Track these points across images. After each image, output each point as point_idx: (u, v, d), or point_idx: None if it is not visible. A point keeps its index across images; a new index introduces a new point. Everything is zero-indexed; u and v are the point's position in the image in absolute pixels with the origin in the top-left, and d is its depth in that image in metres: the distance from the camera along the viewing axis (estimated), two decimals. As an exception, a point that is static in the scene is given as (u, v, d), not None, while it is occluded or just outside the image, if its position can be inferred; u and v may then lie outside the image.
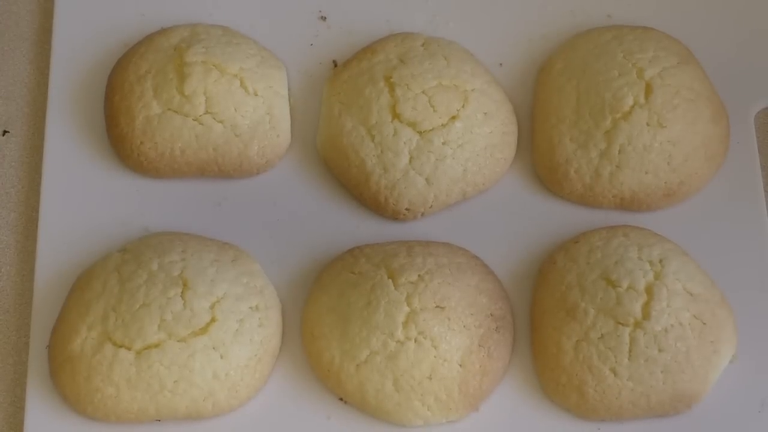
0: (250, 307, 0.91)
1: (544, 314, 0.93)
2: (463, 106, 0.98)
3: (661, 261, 0.92)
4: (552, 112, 0.99)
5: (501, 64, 1.05)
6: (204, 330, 0.89)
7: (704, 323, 0.90)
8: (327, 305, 0.92)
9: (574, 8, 1.07)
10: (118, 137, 0.98)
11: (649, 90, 0.97)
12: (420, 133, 0.96)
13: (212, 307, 0.90)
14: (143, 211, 0.98)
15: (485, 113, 0.98)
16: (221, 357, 0.89)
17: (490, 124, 0.98)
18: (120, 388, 0.88)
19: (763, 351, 0.93)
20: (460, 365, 0.89)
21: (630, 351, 0.89)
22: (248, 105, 0.98)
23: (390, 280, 0.91)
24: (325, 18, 1.06)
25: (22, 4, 1.09)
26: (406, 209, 0.97)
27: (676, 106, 0.97)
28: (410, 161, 0.96)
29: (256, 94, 0.99)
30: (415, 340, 0.89)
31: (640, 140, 0.96)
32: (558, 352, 0.90)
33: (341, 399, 0.91)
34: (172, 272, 0.91)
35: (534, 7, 1.07)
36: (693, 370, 0.89)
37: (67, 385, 0.89)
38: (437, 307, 0.90)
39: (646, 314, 0.89)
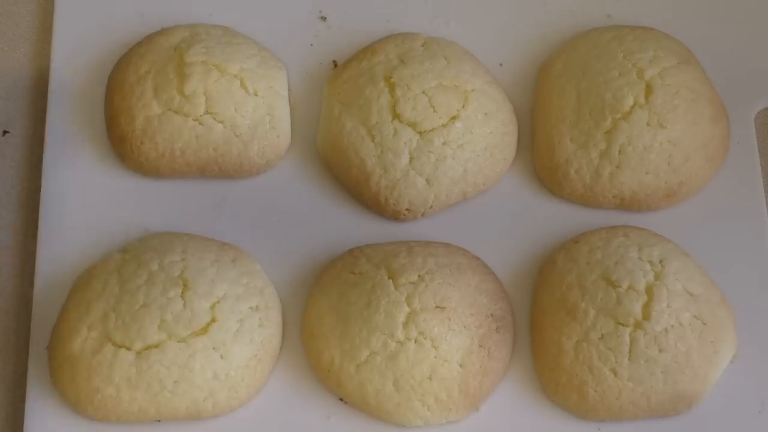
0: (251, 308, 0.91)
1: (545, 314, 0.93)
2: (463, 107, 0.98)
3: (661, 261, 0.92)
4: (552, 113, 0.99)
5: (501, 64, 1.05)
6: (204, 330, 0.89)
7: (704, 323, 0.90)
8: (327, 305, 0.92)
9: (574, 8, 1.07)
10: (118, 137, 0.98)
11: (649, 90, 0.97)
12: (420, 133, 0.96)
13: (212, 307, 0.90)
14: (143, 212, 0.98)
15: (485, 113, 0.98)
16: (221, 357, 0.89)
17: (490, 125, 0.98)
18: (120, 388, 0.88)
19: (763, 351, 0.93)
20: (461, 365, 0.89)
21: (630, 351, 0.89)
22: (248, 105, 0.98)
23: (390, 281, 0.91)
24: (325, 18, 1.06)
25: (22, 4, 1.09)
26: (407, 209, 0.97)
27: (677, 107, 0.97)
28: (410, 161, 0.96)
29: (257, 95, 0.99)
30: (416, 341, 0.89)
31: (641, 140, 0.96)
32: (558, 353, 0.90)
33: (341, 399, 0.91)
34: (172, 272, 0.91)
35: (534, 7, 1.07)
36: (693, 370, 0.89)
37: (67, 385, 0.89)
38: (437, 307, 0.90)
39: (647, 314, 0.89)
